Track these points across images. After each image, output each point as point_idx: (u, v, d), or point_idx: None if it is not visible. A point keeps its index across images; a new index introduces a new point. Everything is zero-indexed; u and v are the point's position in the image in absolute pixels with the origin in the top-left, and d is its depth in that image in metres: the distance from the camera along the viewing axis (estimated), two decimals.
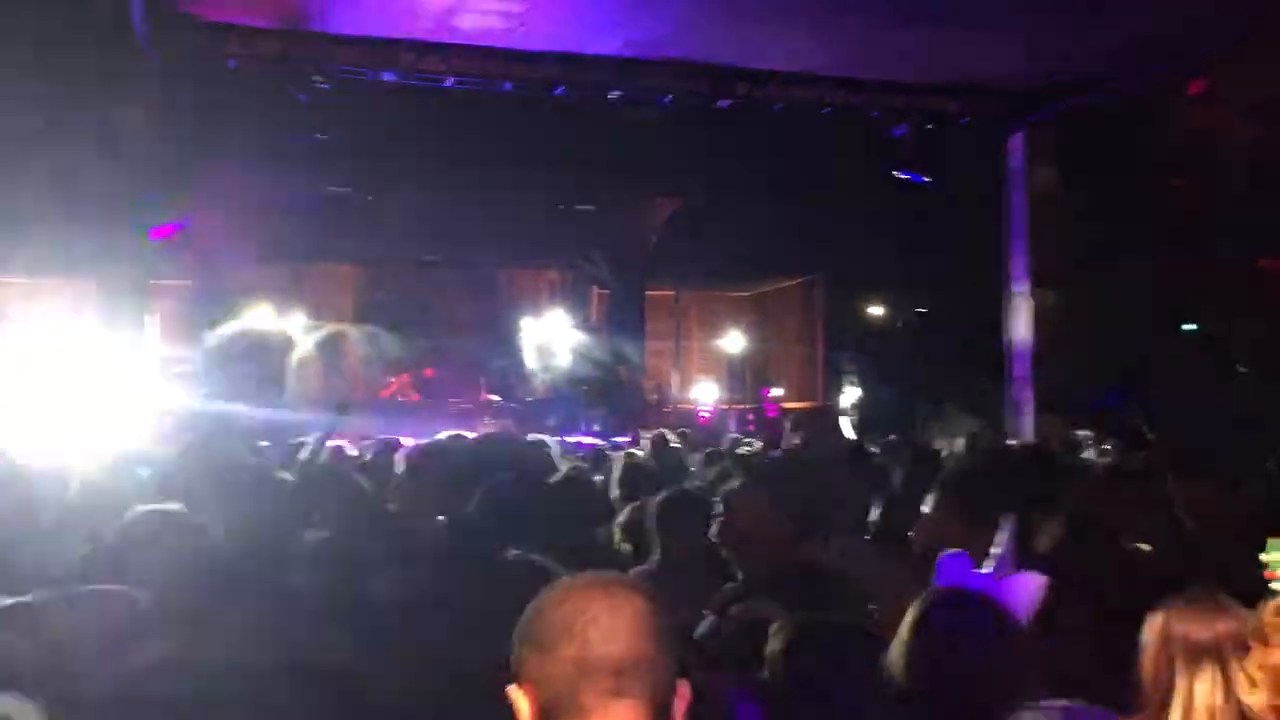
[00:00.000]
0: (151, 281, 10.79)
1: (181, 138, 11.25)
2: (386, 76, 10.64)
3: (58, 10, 9.06)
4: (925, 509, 3.39)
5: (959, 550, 2.99)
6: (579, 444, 10.81)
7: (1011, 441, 11.21)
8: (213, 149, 14.03)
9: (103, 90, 9.90)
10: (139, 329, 11.08)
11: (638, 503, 4.48)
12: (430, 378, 19.91)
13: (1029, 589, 2.44)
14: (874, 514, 4.29)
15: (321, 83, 10.24)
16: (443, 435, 7.44)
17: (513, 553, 2.74)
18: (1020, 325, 12.72)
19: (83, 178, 10.61)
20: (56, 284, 18.61)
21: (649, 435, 9.95)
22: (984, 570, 2.82)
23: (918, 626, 2.15)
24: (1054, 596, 2.38)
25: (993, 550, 2.85)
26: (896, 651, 2.15)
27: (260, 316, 18.91)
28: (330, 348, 19.57)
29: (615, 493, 5.54)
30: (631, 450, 7.49)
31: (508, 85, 11.12)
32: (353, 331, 20.11)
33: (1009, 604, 2.31)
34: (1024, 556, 2.80)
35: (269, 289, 19.95)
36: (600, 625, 1.44)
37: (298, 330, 19.23)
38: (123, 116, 9.90)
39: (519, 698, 1.46)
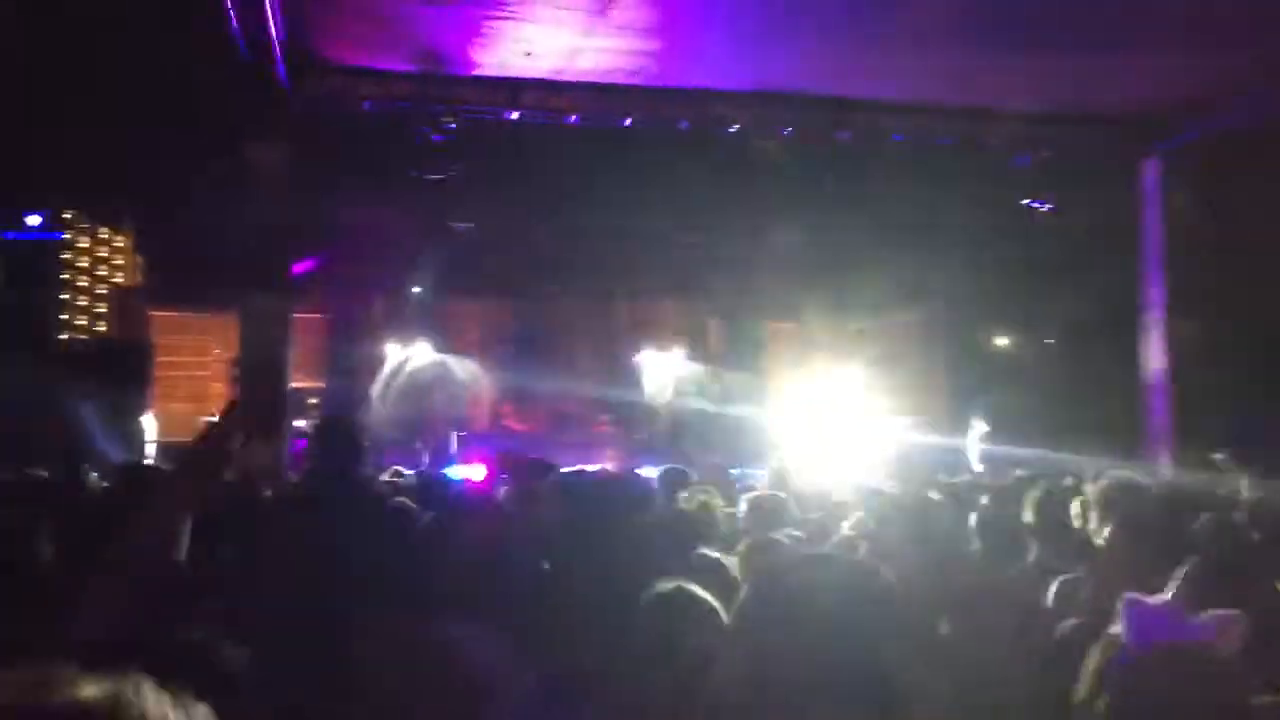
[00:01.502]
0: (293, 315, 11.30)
1: (318, 176, 11.74)
2: (510, 115, 10.94)
3: (202, 56, 9.61)
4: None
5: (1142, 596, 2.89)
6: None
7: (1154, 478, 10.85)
8: (347, 187, 14.62)
9: (244, 132, 10.43)
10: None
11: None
12: (566, 411, 20.17)
13: (1228, 628, 2.23)
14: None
15: (450, 122, 10.58)
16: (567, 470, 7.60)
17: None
18: (1157, 355, 12.30)
19: (228, 215, 11.18)
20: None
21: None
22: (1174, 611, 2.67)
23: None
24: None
25: (1168, 593, 2.73)
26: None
27: (396, 349, 19.55)
28: (451, 377, 20.06)
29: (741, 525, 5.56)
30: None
31: (628, 120, 11.31)
32: (470, 363, 20.59)
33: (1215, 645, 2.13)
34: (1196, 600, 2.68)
35: (400, 321, 20.61)
36: None
37: (426, 361, 19.79)
38: (263, 156, 10.38)
39: None
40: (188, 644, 2.08)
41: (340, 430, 4.36)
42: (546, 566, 3.69)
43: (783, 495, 6.00)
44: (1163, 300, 12.24)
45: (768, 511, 5.51)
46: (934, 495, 6.07)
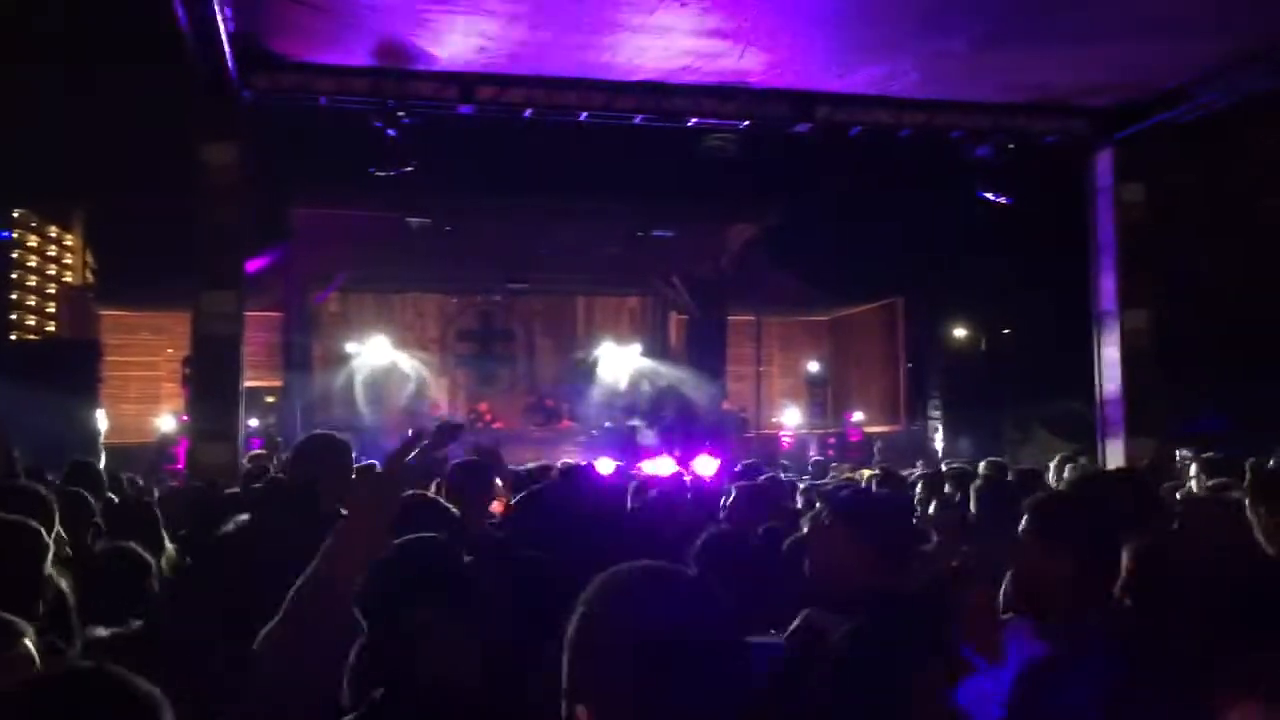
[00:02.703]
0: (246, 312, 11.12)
1: (272, 173, 11.58)
2: (465, 109, 10.85)
3: (152, 53, 9.44)
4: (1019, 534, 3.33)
5: (1021, 617, 2.90)
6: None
7: (1105, 466, 10.98)
8: (301, 183, 14.43)
9: (196, 129, 10.27)
10: None
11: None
12: (532, 405, 20.09)
13: (1097, 678, 2.26)
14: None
15: (405, 117, 10.47)
16: (530, 465, 7.54)
17: None
18: (1110, 346, 12.43)
19: (180, 212, 11.00)
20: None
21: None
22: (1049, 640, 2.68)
23: None
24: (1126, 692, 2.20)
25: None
26: None
27: (377, 346, 19.38)
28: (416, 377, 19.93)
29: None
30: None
31: (584, 115, 11.26)
32: (431, 358, 20.46)
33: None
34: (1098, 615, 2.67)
35: (358, 318, 20.43)
36: None
37: (382, 359, 19.62)
38: (215, 153, 10.23)
39: None
40: None
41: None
42: None
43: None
44: (1114, 292, 12.36)
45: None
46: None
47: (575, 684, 1.35)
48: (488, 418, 19.16)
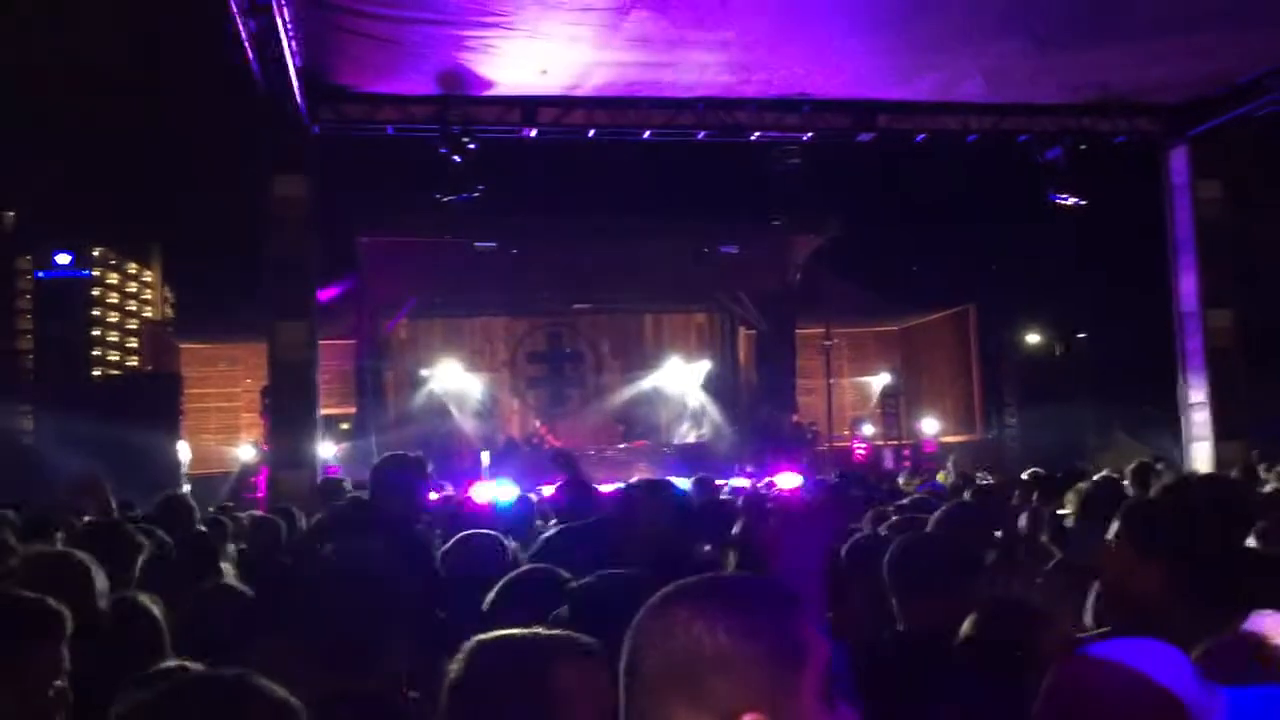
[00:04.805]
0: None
1: (340, 203, 11.76)
2: (529, 133, 10.94)
3: (223, 94, 9.66)
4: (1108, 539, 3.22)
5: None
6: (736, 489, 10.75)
7: (1192, 471, 10.68)
8: (369, 212, 14.65)
9: (266, 163, 10.48)
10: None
11: None
12: (599, 425, 20.15)
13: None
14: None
15: (470, 143, 10.57)
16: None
17: None
18: (1194, 347, 12.10)
19: (253, 245, 11.23)
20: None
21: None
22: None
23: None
24: None
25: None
26: None
27: (447, 371, 19.60)
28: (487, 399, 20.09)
29: None
30: None
31: (647, 133, 11.28)
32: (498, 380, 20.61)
33: None
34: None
35: (427, 343, 20.66)
36: None
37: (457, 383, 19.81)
38: (286, 187, 10.42)
39: None
40: None
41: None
42: None
43: None
44: (1195, 292, 12.04)
45: None
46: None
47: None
48: (549, 438, 19.21)
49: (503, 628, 1.75)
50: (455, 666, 1.64)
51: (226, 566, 4.57)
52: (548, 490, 8.37)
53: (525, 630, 1.70)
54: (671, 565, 3.36)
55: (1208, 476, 7.48)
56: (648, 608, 1.27)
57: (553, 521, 5.21)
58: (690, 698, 1.20)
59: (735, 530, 4.40)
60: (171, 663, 2.62)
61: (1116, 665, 1.60)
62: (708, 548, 4.22)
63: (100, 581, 2.73)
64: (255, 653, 3.08)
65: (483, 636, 1.69)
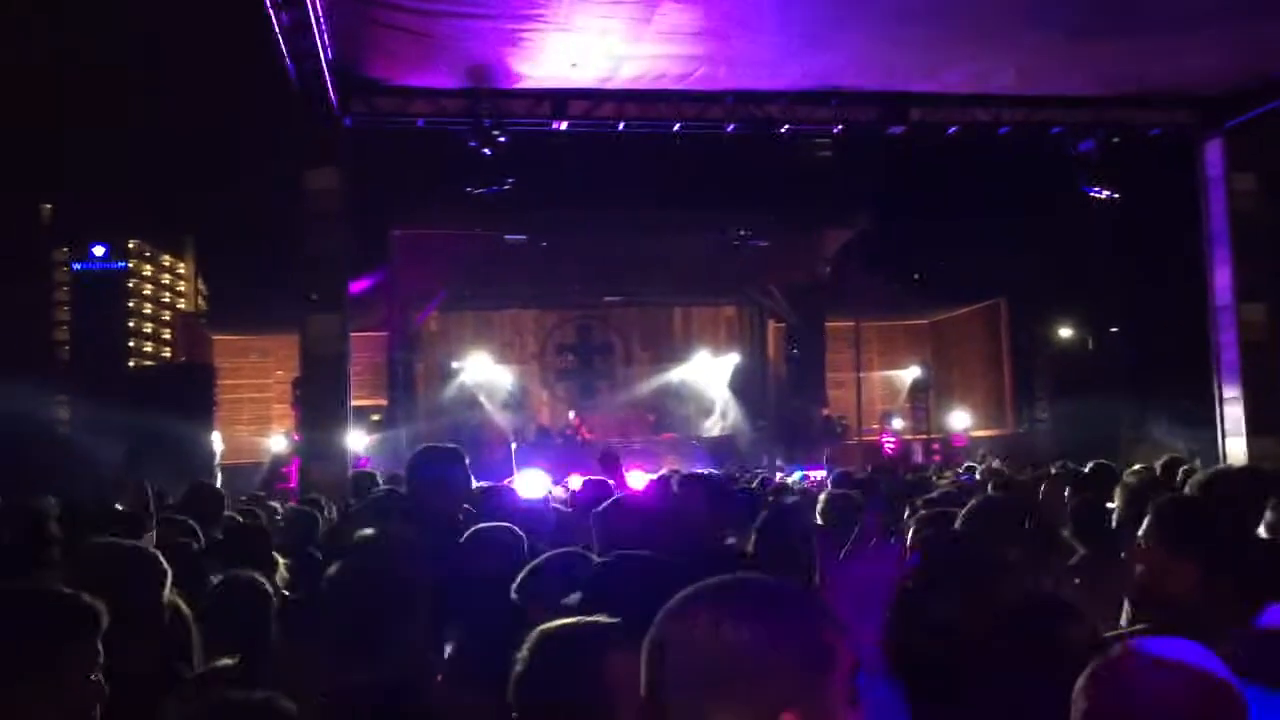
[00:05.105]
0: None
1: (372, 196, 11.82)
2: (559, 126, 10.95)
3: (254, 84, 9.74)
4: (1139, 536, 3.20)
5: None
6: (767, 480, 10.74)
7: (1226, 465, 10.57)
8: (400, 205, 14.73)
9: (298, 155, 10.55)
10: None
11: None
12: (629, 417, 20.17)
13: None
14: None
15: (500, 135, 10.60)
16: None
17: None
18: (1228, 340, 11.96)
19: (286, 238, 11.32)
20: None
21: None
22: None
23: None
24: None
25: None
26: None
27: (477, 363, 19.70)
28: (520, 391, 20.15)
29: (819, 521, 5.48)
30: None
31: (677, 126, 11.27)
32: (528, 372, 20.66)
33: None
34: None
35: (458, 336, 20.77)
36: None
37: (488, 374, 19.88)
38: (318, 180, 10.48)
39: None
40: None
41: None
42: None
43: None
44: (1230, 285, 11.91)
45: None
46: None
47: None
48: (583, 431, 19.27)
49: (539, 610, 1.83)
50: (521, 656, 1.72)
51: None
52: (576, 482, 8.40)
53: (584, 620, 1.77)
54: (704, 554, 3.37)
55: (1239, 471, 7.41)
56: (674, 608, 1.30)
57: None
58: (727, 697, 1.22)
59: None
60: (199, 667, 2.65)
61: (1174, 662, 1.60)
62: (732, 540, 4.23)
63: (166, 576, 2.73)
64: (284, 648, 3.12)
65: (546, 627, 1.75)
